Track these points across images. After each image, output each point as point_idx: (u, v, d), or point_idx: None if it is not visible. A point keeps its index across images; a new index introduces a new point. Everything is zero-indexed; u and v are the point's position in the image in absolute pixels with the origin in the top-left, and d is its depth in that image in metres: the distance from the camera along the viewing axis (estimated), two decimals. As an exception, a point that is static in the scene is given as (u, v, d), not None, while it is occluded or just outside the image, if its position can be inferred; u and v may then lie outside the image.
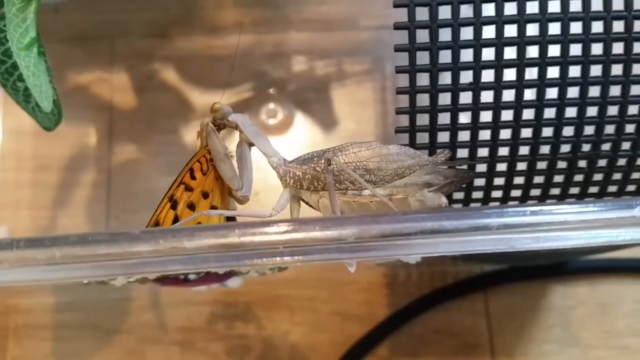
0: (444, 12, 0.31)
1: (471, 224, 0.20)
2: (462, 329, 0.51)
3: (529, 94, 0.32)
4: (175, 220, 0.30)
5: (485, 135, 0.33)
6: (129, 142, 0.54)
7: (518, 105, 0.30)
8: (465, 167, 0.31)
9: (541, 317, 0.51)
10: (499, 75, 0.31)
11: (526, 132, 0.33)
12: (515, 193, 0.34)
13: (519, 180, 0.34)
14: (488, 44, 0.31)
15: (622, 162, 0.33)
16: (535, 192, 0.35)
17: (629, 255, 0.51)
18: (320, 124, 0.54)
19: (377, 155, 0.28)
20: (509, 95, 0.32)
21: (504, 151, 0.32)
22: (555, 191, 0.35)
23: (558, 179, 0.34)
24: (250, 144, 0.32)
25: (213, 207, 0.31)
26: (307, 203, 0.31)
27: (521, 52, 0.31)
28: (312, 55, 0.56)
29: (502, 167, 0.33)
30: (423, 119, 0.34)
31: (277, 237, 0.21)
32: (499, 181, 0.34)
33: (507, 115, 0.32)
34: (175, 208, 0.30)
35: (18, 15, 0.32)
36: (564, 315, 0.51)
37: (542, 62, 0.29)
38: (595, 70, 0.31)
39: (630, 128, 0.32)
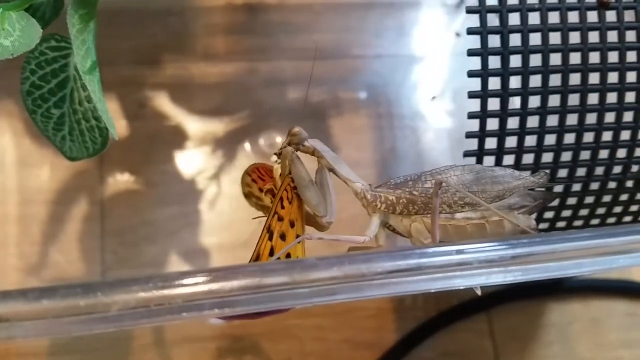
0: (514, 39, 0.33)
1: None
2: (469, 350, 0.52)
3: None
4: (271, 251, 0.29)
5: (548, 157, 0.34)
6: (122, 172, 0.52)
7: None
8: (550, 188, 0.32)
9: (541, 334, 0.53)
10: (564, 100, 0.33)
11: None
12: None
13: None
14: (555, 70, 0.32)
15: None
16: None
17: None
18: (320, 151, 0.54)
19: (483, 178, 0.28)
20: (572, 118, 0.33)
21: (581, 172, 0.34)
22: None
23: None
24: (330, 170, 0.31)
25: (297, 236, 0.30)
26: (392, 228, 0.31)
27: (584, 78, 0.33)
28: (306, 83, 0.56)
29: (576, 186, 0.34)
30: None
31: (449, 258, 0.21)
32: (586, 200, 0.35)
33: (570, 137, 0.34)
34: (271, 239, 0.29)
35: (78, 37, 0.30)
36: (561, 331, 0.53)
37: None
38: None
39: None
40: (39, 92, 0.34)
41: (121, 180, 0.51)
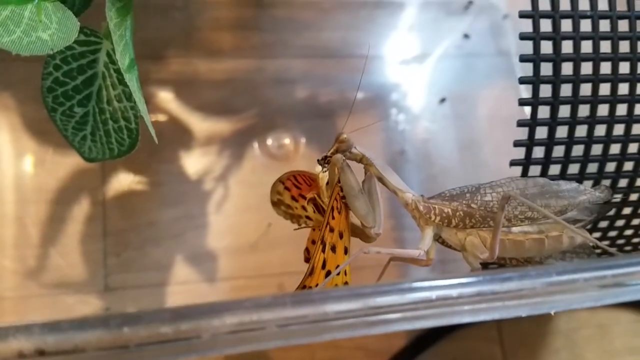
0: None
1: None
2: (479, 356, 0.51)
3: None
4: (324, 263, 0.27)
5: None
6: (125, 171, 0.49)
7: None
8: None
9: (549, 340, 0.53)
10: (612, 109, 0.32)
11: None
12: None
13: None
14: (605, 79, 0.32)
15: None
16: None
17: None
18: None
19: (548, 192, 0.27)
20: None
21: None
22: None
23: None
24: (379, 178, 0.30)
25: (346, 249, 0.29)
26: (442, 241, 0.30)
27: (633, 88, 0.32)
28: (314, 82, 0.55)
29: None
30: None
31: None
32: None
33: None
34: (324, 251, 0.27)
35: (115, 31, 0.28)
36: (568, 337, 0.53)
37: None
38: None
39: None
40: (63, 89, 0.32)
41: (124, 179, 0.49)
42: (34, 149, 0.48)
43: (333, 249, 0.28)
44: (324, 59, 0.55)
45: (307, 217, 0.34)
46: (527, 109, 0.54)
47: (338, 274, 0.28)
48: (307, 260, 0.34)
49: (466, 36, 0.58)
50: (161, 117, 0.51)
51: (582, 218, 0.29)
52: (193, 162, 0.51)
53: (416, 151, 0.55)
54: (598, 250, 0.29)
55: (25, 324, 0.17)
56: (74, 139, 0.34)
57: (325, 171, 0.30)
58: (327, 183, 0.30)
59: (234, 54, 0.54)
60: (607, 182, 0.34)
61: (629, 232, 0.37)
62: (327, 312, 0.19)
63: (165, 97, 0.51)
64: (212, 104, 0.52)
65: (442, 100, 0.56)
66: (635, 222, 0.35)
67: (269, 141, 0.52)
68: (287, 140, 0.52)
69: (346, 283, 0.28)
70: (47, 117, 0.48)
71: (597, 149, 0.33)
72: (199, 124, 0.51)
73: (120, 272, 0.47)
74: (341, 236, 0.28)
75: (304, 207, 0.33)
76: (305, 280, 0.27)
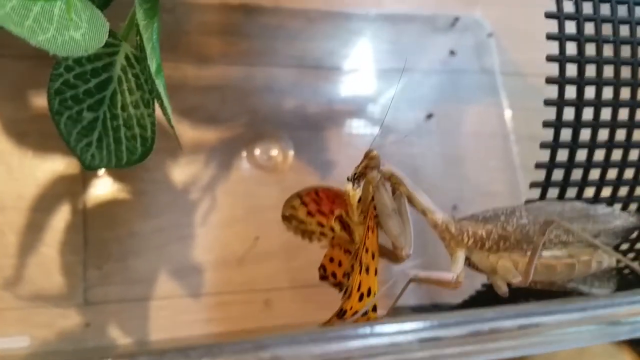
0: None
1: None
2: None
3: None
4: (359, 285, 0.26)
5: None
6: (107, 179, 0.47)
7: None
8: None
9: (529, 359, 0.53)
10: (630, 134, 0.33)
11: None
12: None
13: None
14: (625, 104, 0.32)
15: None
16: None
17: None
18: (317, 164, 0.52)
19: (585, 216, 0.27)
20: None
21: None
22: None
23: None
24: (408, 197, 0.29)
25: (376, 270, 0.28)
26: (468, 263, 0.29)
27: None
28: (302, 92, 0.54)
29: None
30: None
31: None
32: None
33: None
34: (360, 272, 0.26)
35: (143, 34, 0.27)
36: (547, 357, 0.53)
37: None
38: None
39: None
40: (72, 91, 0.30)
41: (106, 187, 0.47)
42: (12, 151, 0.45)
43: (367, 270, 0.27)
44: (311, 69, 0.55)
45: (322, 234, 0.33)
46: (512, 128, 0.54)
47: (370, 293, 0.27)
48: (322, 278, 0.33)
49: (452, 52, 0.58)
50: (146, 123, 0.49)
51: (610, 241, 0.29)
52: (178, 171, 0.49)
53: (403, 166, 0.54)
54: (624, 272, 0.29)
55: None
56: (76, 145, 0.32)
57: (356, 188, 0.29)
58: (359, 200, 0.29)
59: (222, 60, 0.52)
60: (618, 206, 0.34)
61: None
62: (412, 340, 0.18)
63: (151, 102, 0.49)
64: (199, 111, 0.50)
65: (429, 115, 0.56)
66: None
67: (257, 152, 0.51)
68: (275, 152, 0.51)
69: (375, 305, 0.27)
70: (26, 118, 0.46)
71: (612, 174, 0.33)
72: (186, 131, 0.49)
73: (101, 285, 0.45)
74: (373, 257, 0.28)
75: (319, 223, 0.32)
76: (344, 303, 0.26)
